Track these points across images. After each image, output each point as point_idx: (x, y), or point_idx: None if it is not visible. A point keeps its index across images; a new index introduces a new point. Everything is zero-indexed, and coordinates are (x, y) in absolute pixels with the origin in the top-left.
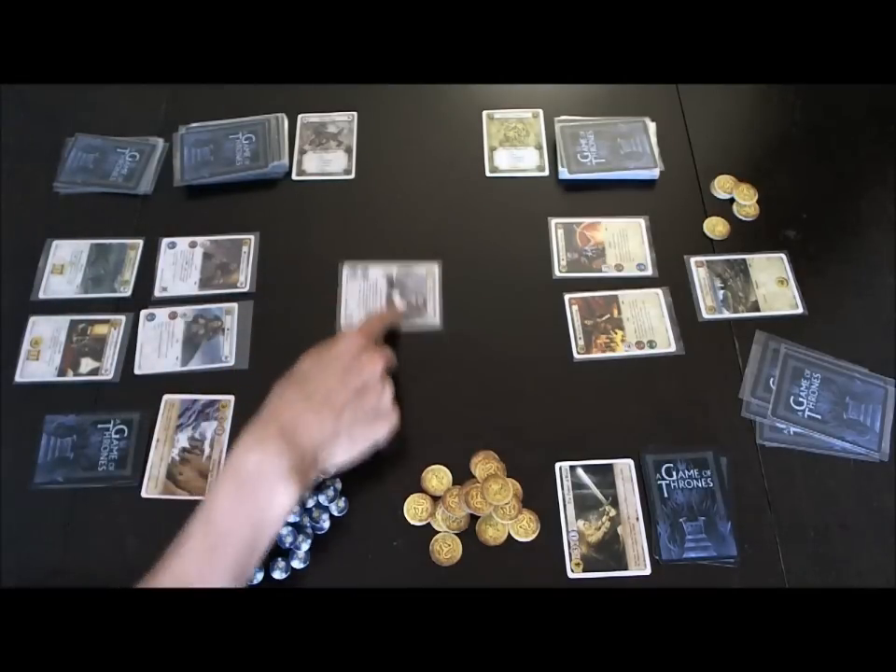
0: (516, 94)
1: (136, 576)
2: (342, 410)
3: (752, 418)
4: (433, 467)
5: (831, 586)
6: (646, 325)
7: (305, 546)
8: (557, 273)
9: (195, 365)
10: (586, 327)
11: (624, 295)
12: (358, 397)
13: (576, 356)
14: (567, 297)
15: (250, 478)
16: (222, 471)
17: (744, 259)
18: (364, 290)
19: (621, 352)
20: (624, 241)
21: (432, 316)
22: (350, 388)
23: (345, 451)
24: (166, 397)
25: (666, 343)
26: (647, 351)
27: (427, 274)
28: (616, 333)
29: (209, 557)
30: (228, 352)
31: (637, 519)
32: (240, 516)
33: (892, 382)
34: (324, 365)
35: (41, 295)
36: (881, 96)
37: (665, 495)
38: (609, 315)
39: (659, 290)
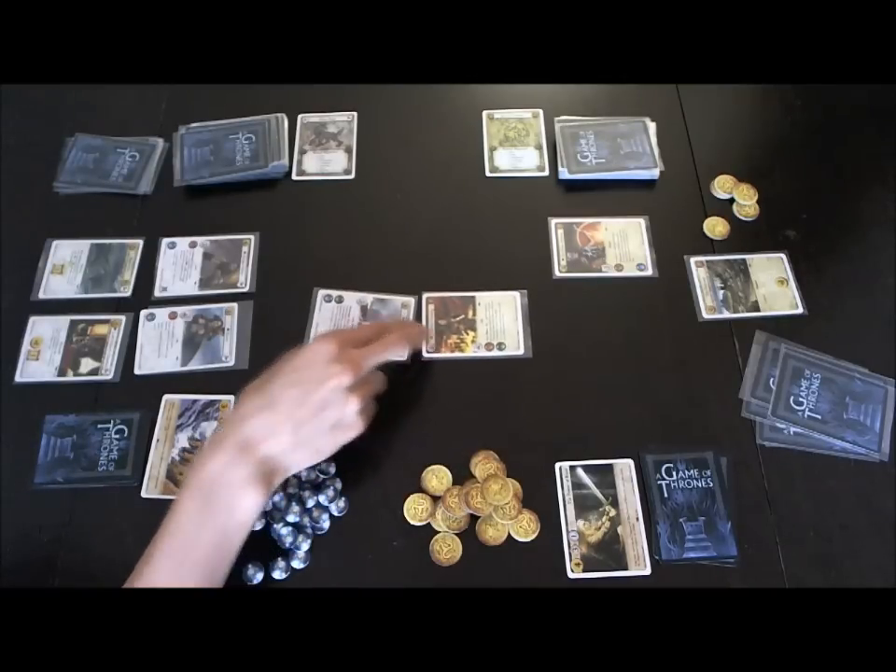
0: (516, 94)
1: None
2: (301, 422)
3: (752, 418)
4: (433, 467)
5: (831, 586)
6: (498, 327)
7: (305, 546)
8: (557, 273)
9: (195, 365)
10: (439, 326)
11: (482, 297)
12: (320, 409)
13: (425, 354)
14: (425, 296)
15: (212, 486)
16: (185, 481)
17: (744, 259)
18: (336, 317)
19: (469, 353)
20: (624, 241)
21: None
22: (312, 401)
23: (309, 457)
24: (166, 397)
25: (517, 345)
26: (495, 353)
27: (402, 307)
28: (467, 334)
29: (178, 566)
30: (228, 352)
31: (637, 519)
32: (205, 524)
33: (892, 382)
34: (290, 374)
35: (41, 295)
36: (881, 96)
37: (665, 495)
38: (462, 316)
39: (517, 293)
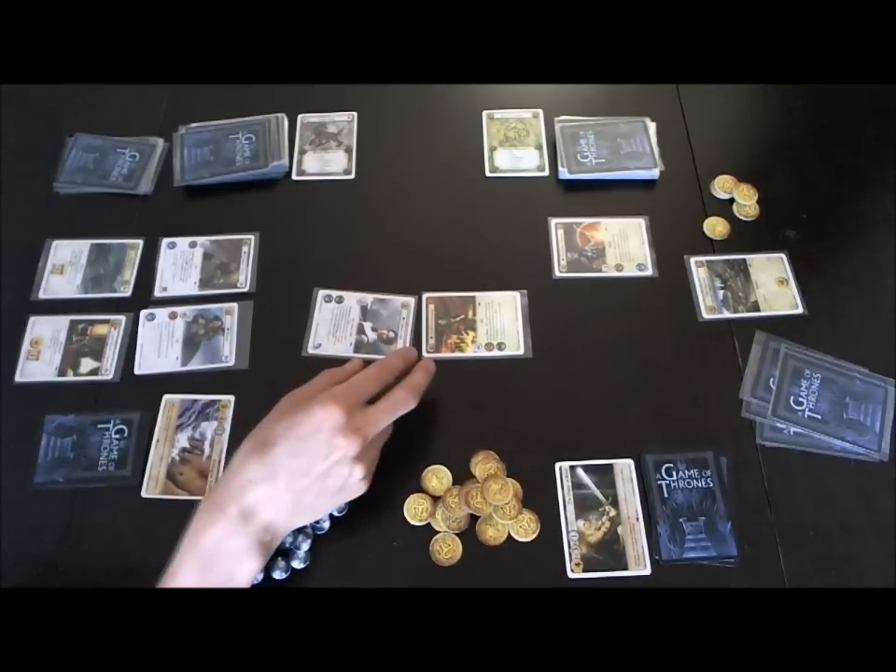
0: (516, 94)
1: (136, 576)
2: (303, 491)
3: (752, 418)
4: (433, 467)
5: (831, 586)
6: (498, 327)
7: (305, 546)
8: (557, 273)
9: (195, 365)
10: (439, 326)
11: (482, 297)
12: (323, 479)
13: (425, 354)
14: (425, 296)
15: (211, 556)
16: (183, 546)
17: (744, 259)
18: (336, 317)
19: (470, 353)
20: (624, 241)
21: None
22: (316, 472)
23: (307, 519)
24: (166, 397)
25: (517, 345)
26: (495, 353)
27: (402, 307)
28: (468, 334)
29: None
30: (228, 352)
31: (638, 519)
32: None
33: (892, 382)
34: (295, 443)
35: (41, 295)
36: (881, 96)
37: (665, 495)
38: (463, 316)
39: (517, 293)
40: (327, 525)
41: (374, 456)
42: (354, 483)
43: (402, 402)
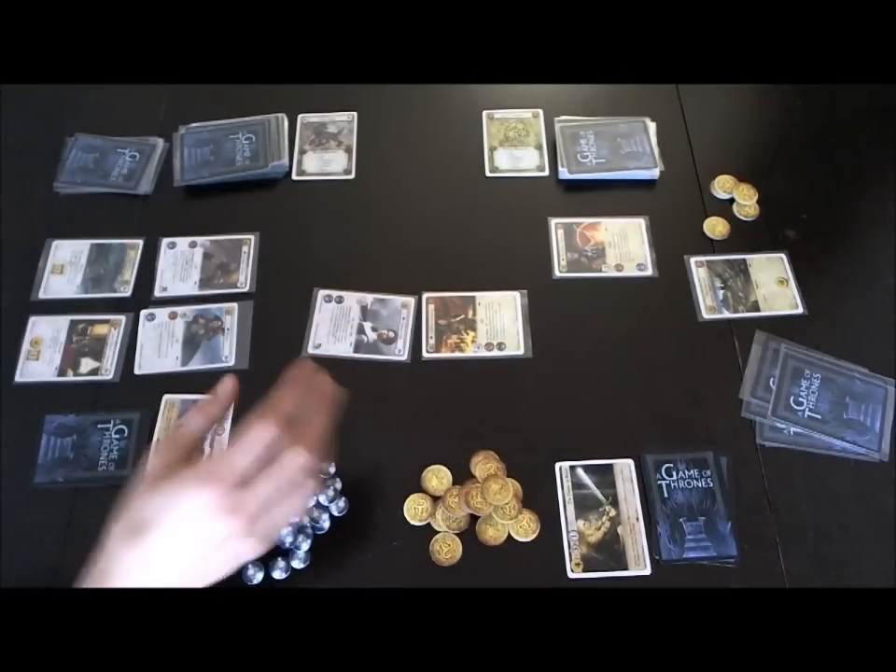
0: (516, 94)
1: None
2: (185, 572)
3: (752, 418)
4: (433, 467)
5: (831, 586)
6: (498, 327)
7: (305, 546)
8: (557, 273)
9: (195, 365)
10: (439, 326)
11: (482, 297)
12: (209, 556)
13: (425, 354)
14: (425, 296)
15: None
16: None
17: (744, 259)
18: (336, 317)
19: (470, 353)
20: (624, 241)
21: (401, 350)
22: (199, 554)
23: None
24: (166, 397)
25: (517, 345)
26: (495, 353)
27: (402, 307)
28: (468, 334)
29: None
30: (228, 352)
31: (638, 519)
32: None
33: (892, 382)
34: (168, 527)
35: (41, 295)
36: (881, 96)
37: (665, 495)
38: (463, 316)
39: (517, 293)
40: (327, 525)
41: (275, 516)
42: (247, 549)
43: (291, 482)
